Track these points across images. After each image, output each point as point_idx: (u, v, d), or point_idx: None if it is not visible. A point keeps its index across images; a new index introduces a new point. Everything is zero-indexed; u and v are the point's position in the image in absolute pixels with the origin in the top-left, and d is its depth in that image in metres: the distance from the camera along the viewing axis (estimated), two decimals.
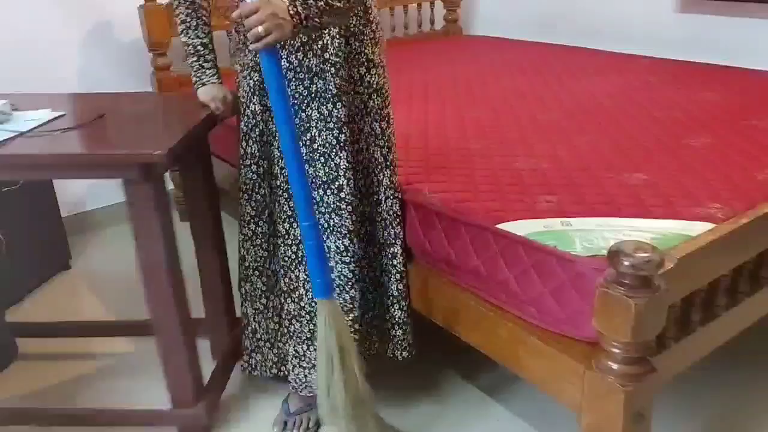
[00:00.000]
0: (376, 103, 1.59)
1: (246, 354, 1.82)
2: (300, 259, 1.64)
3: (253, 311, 1.77)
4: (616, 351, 1.21)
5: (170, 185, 2.93)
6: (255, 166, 1.63)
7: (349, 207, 1.58)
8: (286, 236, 1.64)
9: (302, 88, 1.53)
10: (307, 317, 1.66)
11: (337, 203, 1.58)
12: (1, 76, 2.53)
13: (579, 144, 1.91)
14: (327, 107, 1.53)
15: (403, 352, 1.75)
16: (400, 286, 1.69)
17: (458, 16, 3.75)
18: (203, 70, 1.67)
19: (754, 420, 1.77)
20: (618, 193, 1.57)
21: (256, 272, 1.73)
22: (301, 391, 1.72)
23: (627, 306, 1.14)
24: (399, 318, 1.72)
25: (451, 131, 2.08)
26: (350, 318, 1.64)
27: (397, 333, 1.73)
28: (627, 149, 1.85)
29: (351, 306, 1.65)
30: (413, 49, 3.36)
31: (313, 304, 1.62)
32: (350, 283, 1.63)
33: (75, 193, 2.98)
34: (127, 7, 2.78)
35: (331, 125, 1.54)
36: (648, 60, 2.89)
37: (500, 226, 1.46)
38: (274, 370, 1.81)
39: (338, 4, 1.35)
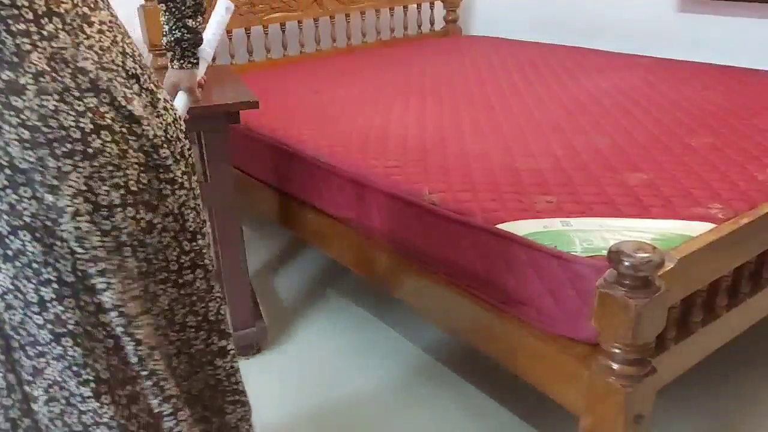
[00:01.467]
0: None
1: None
2: None
3: None
4: (616, 352, 1.21)
5: None
6: None
7: None
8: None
9: None
10: None
11: None
12: None
13: (578, 144, 1.91)
14: None
15: None
16: None
17: (458, 16, 3.75)
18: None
19: (755, 421, 1.76)
20: (617, 193, 1.57)
21: None
22: None
23: (627, 307, 1.13)
24: None
25: (450, 131, 2.07)
26: None
27: None
28: (626, 149, 1.85)
29: None
30: (413, 50, 3.36)
31: None
32: None
33: None
34: (126, 7, 2.76)
35: None
36: (648, 59, 2.88)
37: (499, 226, 1.46)
38: None
39: None
